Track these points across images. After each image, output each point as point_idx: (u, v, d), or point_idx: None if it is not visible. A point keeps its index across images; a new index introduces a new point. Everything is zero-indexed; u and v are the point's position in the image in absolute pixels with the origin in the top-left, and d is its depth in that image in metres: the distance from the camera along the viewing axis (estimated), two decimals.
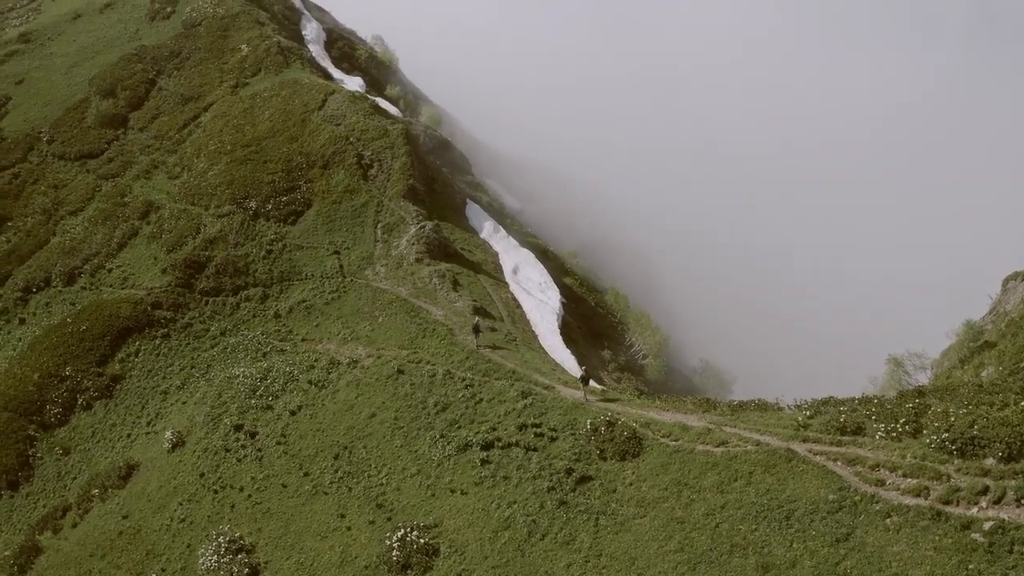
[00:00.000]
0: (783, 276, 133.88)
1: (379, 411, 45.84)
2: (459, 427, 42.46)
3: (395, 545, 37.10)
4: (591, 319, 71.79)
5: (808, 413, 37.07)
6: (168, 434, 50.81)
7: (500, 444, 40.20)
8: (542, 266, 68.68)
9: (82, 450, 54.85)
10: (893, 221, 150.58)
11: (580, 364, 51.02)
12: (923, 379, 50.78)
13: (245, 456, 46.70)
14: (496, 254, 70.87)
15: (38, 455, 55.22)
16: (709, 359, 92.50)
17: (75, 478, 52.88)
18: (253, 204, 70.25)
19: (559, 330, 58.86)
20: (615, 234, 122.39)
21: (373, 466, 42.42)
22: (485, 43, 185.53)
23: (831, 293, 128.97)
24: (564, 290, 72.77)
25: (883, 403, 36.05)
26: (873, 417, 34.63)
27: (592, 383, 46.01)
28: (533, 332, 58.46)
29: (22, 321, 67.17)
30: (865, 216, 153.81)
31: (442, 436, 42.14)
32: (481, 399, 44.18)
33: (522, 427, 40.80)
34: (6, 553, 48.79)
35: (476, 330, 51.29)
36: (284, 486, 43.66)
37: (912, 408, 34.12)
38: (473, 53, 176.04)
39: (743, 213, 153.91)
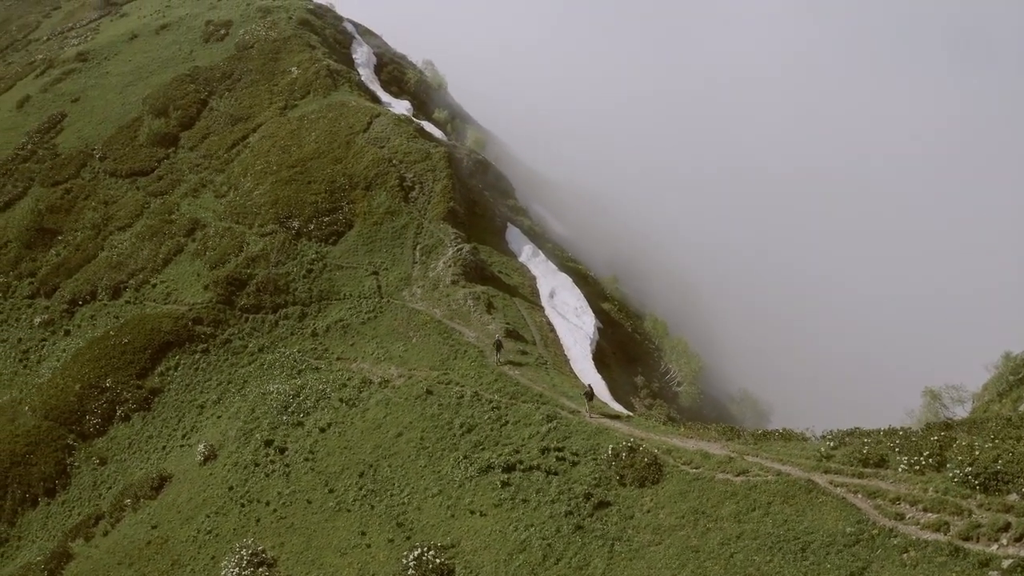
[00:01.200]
0: (827, 300, 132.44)
1: (406, 431, 46.19)
2: (483, 449, 42.64)
3: (411, 564, 37.25)
4: (627, 345, 71.65)
5: (832, 444, 36.65)
6: (201, 447, 51.69)
7: (522, 467, 40.31)
8: (579, 291, 68.72)
9: (118, 460, 55.94)
10: (939, 246, 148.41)
11: (582, 384, 50.82)
12: (961, 412, 49.87)
13: (273, 471, 47.31)
14: (534, 278, 71.03)
15: (76, 464, 56.42)
16: (750, 387, 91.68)
17: (110, 488, 53.92)
18: (296, 224, 71.32)
19: (592, 355, 58.83)
20: (660, 259, 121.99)
21: (396, 485, 42.73)
22: (534, 68, 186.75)
23: (876, 321, 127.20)
24: (601, 315, 72.77)
25: (908, 435, 35.54)
26: (897, 449, 34.12)
27: (614, 401, 46.06)
28: (565, 356, 58.50)
29: (67, 333, 68.83)
30: (910, 242, 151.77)
31: (465, 457, 42.35)
32: (507, 421, 44.33)
33: (545, 450, 40.87)
34: (37, 559, 49.83)
35: (498, 347, 52.06)
36: (309, 502, 44.13)
37: (937, 441, 33.55)
38: (523, 78, 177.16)
39: (787, 234, 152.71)
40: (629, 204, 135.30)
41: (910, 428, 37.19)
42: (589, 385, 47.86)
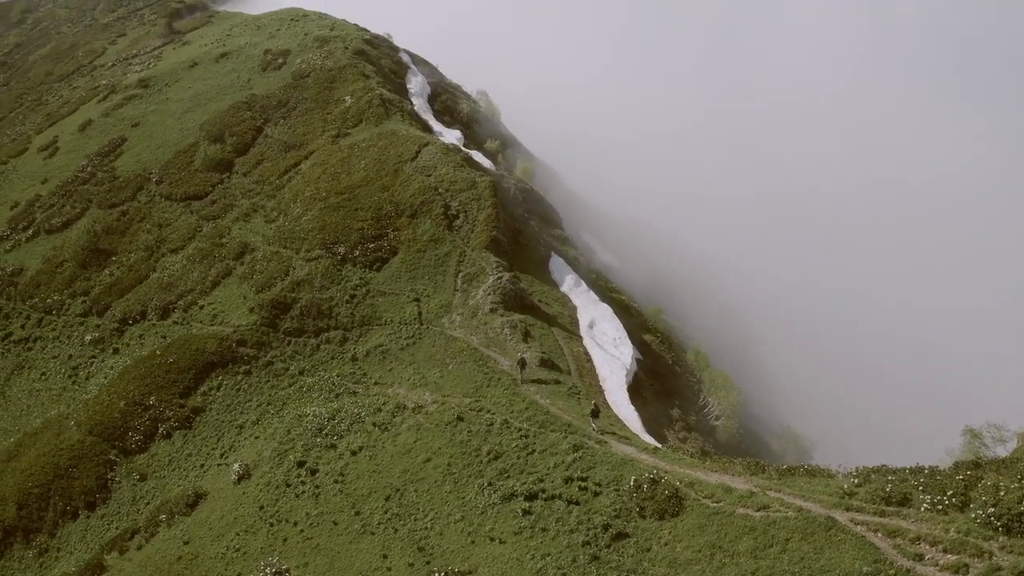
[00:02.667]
0: (882, 330, 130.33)
1: (434, 456, 46.57)
2: (508, 476, 42.83)
3: None
4: (666, 377, 71.38)
5: (856, 481, 36.29)
6: (236, 466, 52.58)
7: (544, 495, 40.42)
8: (618, 321, 68.71)
9: (158, 477, 57.05)
10: (1004, 278, 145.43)
11: (592, 409, 50.90)
12: (1002, 452, 48.97)
13: (303, 492, 47.95)
14: (575, 308, 71.20)
15: (117, 479, 57.61)
16: (798, 420, 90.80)
17: (148, 503, 54.98)
18: (342, 249, 72.40)
19: (627, 386, 58.80)
20: (710, 289, 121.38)
21: (421, 509, 43.06)
22: (587, 97, 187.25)
23: (933, 353, 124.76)
24: (642, 347, 72.70)
25: (933, 473, 35.07)
26: (921, 488, 33.71)
27: (645, 433, 46.02)
28: (600, 386, 58.54)
29: (116, 351, 70.57)
30: (973, 271, 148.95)
31: (490, 484, 42.57)
32: (534, 450, 44.50)
33: (568, 480, 40.96)
34: (72, 570, 50.98)
35: (522, 365, 53.06)
36: (335, 523, 44.62)
37: (962, 480, 33.09)
38: (577, 107, 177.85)
39: (843, 262, 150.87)
40: (678, 232, 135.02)
41: (936, 466, 36.64)
42: (595, 403, 48.65)
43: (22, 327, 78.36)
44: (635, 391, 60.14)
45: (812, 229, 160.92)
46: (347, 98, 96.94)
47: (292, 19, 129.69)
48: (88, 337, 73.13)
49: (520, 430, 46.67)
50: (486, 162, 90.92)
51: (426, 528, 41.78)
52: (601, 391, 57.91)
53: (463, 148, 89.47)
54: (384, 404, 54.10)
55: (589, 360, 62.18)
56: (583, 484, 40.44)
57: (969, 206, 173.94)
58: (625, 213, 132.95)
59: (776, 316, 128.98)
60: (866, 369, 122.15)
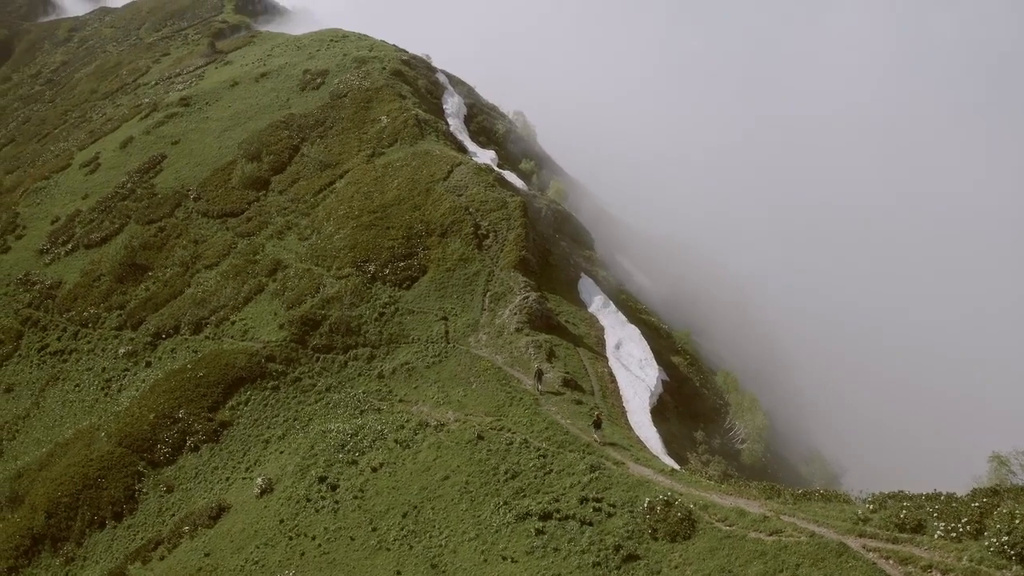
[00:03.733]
0: (915, 349, 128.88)
1: (453, 474, 46.81)
2: (524, 496, 42.96)
3: None
4: (692, 399, 71.11)
5: (871, 507, 36.04)
6: (259, 480, 53.17)
7: (558, 515, 40.49)
8: (645, 343, 68.61)
9: (184, 489, 57.77)
10: None
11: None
12: None
13: (323, 507, 48.37)
14: (602, 328, 71.13)
15: (144, 490, 58.40)
16: (831, 444, 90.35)
17: (173, 515, 55.65)
18: (372, 268, 73.08)
19: (650, 407, 58.67)
20: (745, 311, 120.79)
21: (436, 527, 43.28)
22: (624, 119, 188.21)
23: (975, 379, 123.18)
24: (670, 369, 72.52)
25: (949, 500, 34.76)
26: (936, 515, 33.41)
27: (666, 455, 45.99)
28: (623, 408, 58.46)
29: (148, 364, 71.62)
30: (1009, 293, 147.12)
31: (505, 503, 42.73)
32: (551, 470, 44.61)
33: (583, 500, 41.01)
34: None
35: (539, 376, 54.16)
36: (352, 539, 44.95)
37: (978, 507, 32.78)
38: (613, 129, 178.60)
39: (881, 287, 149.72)
40: (714, 253, 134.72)
41: (953, 493, 36.28)
42: (598, 414, 49.65)
43: (58, 339, 79.90)
44: (659, 413, 59.99)
45: (848, 249, 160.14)
46: (383, 118, 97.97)
47: (332, 40, 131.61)
48: (122, 350, 74.36)
49: (539, 449, 46.83)
50: (518, 182, 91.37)
51: (441, 545, 41.98)
52: (624, 412, 57.83)
53: (496, 168, 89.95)
54: (407, 421, 54.44)
55: (613, 381, 62.13)
56: (597, 505, 40.47)
57: (1011, 223, 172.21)
58: (661, 233, 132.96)
59: (812, 337, 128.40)
60: (904, 390, 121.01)
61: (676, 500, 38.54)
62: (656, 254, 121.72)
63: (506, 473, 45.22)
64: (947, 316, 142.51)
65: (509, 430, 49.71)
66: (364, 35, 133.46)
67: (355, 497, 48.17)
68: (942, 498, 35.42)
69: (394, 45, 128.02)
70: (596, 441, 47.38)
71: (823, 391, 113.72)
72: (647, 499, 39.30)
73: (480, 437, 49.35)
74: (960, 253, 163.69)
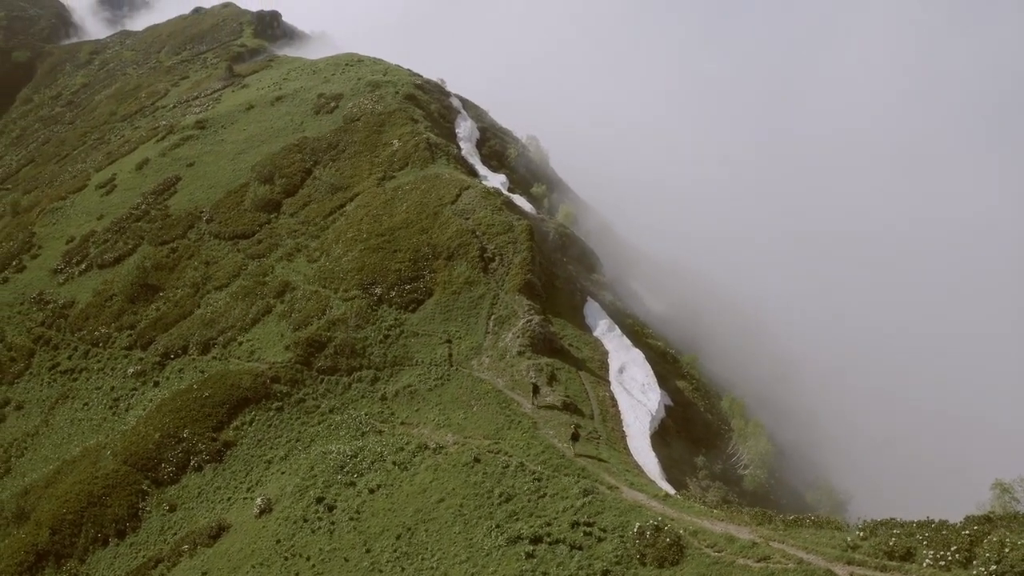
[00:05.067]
0: (934, 379, 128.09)
1: (448, 497, 47.13)
2: (517, 519, 43.17)
3: None
4: (696, 424, 71.11)
5: (861, 534, 36.09)
6: (259, 500, 53.67)
7: (549, 539, 40.63)
8: (648, 367, 68.70)
9: (186, 508, 58.36)
10: None
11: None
12: None
13: (319, 528, 48.78)
14: (606, 352, 71.30)
15: (147, 509, 59.04)
16: (838, 472, 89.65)
17: (175, 534, 56.22)
18: (378, 290, 73.69)
19: (650, 432, 58.78)
20: (757, 336, 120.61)
21: (429, 550, 43.56)
22: (638, 145, 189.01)
23: (981, 402, 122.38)
24: (675, 394, 72.61)
25: (940, 528, 34.76)
26: (925, 542, 33.47)
27: (662, 480, 46.15)
28: (623, 432, 58.57)
29: (156, 384, 72.51)
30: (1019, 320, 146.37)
31: (498, 526, 42.95)
32: (545, 493, 44.80)
33: (575, 524, 41.15)
34: None
35: (535, 390, 55.50)
36: (346, 560, 45.30)
37: (968, 535, 32.83)
38: (627, 155, 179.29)
39: (897, 314, 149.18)
40: (727, 278, 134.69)
41: (945, 521, 36.29)
42: (575, 426, 50.96)
43: (69, 358, 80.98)
44: (660, 438, 60.11)
45: (862, 272, 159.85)
46: (395, 142, 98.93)
47: (347, 64, 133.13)
48: (131, 370, 75.28)
49: (534, 473, 47.05)
50: (527, 206, 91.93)
51: (432, 568, 42.25)
52: (623, 436, 57.95)
53: (505, 192, 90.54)
54: (407, 444, 54.81)
55: (615, 405, 62.28)
56: (588, 529, 40.59)
57: None
58: (672, 255, 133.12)
59: (824, 360, 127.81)
60: (918, 414, 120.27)
61: (666, 525, 38.68)
62: (667, 277, 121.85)
63: (500, 496, 45.46)
64: (960, 339, 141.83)
65: (506, 453, 49.97)
66: (379, 59, 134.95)
67: (351, 518, 48.56)
68: (933, 525, 35.40)
69: (408, 70, 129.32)
70: (571, 454, 48.68)
71: (835, 415, 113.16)
72: (637, 524, 39.44)
73: (477, 460, 49.63)
74: (974, 276, 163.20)
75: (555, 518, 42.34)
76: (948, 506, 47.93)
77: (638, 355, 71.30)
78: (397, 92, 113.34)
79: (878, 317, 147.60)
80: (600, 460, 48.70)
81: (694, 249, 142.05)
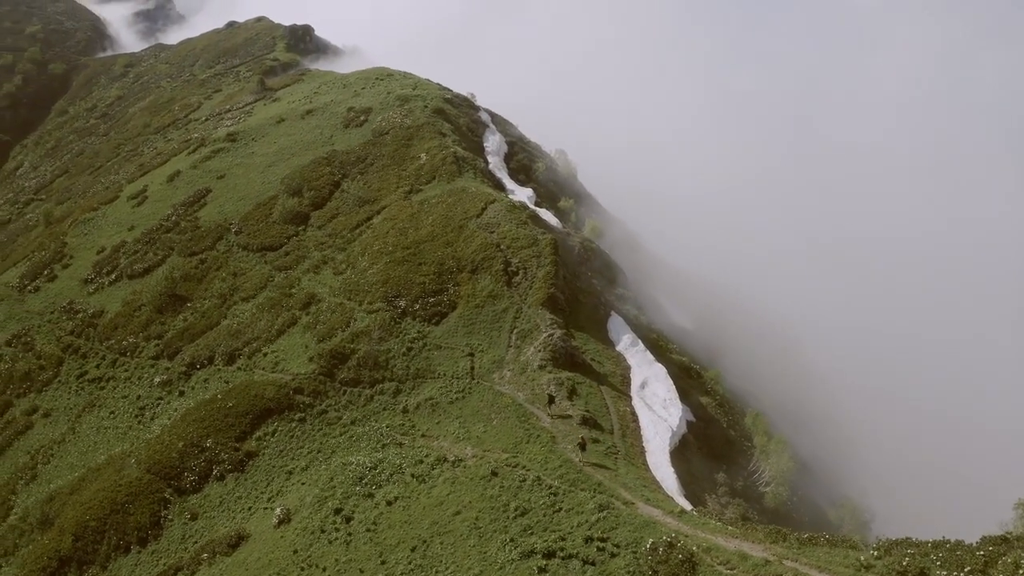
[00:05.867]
0: (958, 390, 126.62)
1: (464, 510, 47.23)
2: (532, 533, 43.18)
3: None
4: (717, 440, 70.77)
5: (875, 553, 35.86)
6: (278, 510, 54.05)
7: (562, 554, 40.63)
8: (671, 382, 68.48)
9: (208, 517, 58.86)
10: None
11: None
12: None
13: (336, 539, 49.03)
14: (628, 367, 71.20)
15: (169, 517, 59.59)
16: (864, 490, 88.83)
17: (196, 542, 56.68)
18: (403, 303, 74.05)
19: (670, 448, 58.58)
20: (785, 351, 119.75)
21: (443, 562, 43.64)
22: (668, 159, 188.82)
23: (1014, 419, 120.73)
24: (698, 409, 72.34)
25: (955, 548, 34.49)
26: (939, 562, 33.21)
27: (680, 496, 46.05)
28: (642, 447, 58.41)
29: (181, 393, 73.23)
30: None
31: (512, 540, 42.98)
32: (560, 508, 44.82)
33: (588, 539, 41.13)
34: None
35: (550, 400, 56.27)
36: (361, 571, 45.46)
37: (983, 556, 32.57)
38: (657, 169, 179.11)
39: (926, 329, 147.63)
40: (752, 291, 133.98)
41: (961, 541, 35.97)
42: (583, 436, 52.12)
43: (97, 367, 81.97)
44: (680, 453, 59.85)
45: (892, 285, 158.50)
46: (422, 155, 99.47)
47: (377, 78, 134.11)
48: (157, 379, 76.07)
49: (550, 487, 47.08)
50: (553, 220, 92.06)
51: None
52: (643, 452, 57.81)
53: (531, 206, 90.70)
54: (426, 456, 54.99)
55: (635, 420, 62.15)
56: (602, 545, 40.56)
57: None
58: (699, 270, 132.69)
59: (853, 375, 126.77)
60: (949, 430, 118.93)
61: (679, 542, 38.58)
62: (693, 291, 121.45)
63: (516, 510, 45.52)
64: (991, 348, 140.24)
65: (524, 467, 50.04)
66: (409, 74, 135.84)
67: (368, 530, 48.77)
68: (948, 545, 35.13)
69: (438, 84, 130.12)
70: (579, 462, 49.75)
71: (863, 431, 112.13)
72: (651, 540, 39.37)
73: (494, 473, 49.74)
74: (1009, 290, 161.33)
75: (569, 533, 42.33)
76: (973, 524, 47.51)
77: (660, 370, 71.09)
78: (426, 106, 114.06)
79: (910, 330, 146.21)
80: (606, 468, 49.10)
81: (720, 262, 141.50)
